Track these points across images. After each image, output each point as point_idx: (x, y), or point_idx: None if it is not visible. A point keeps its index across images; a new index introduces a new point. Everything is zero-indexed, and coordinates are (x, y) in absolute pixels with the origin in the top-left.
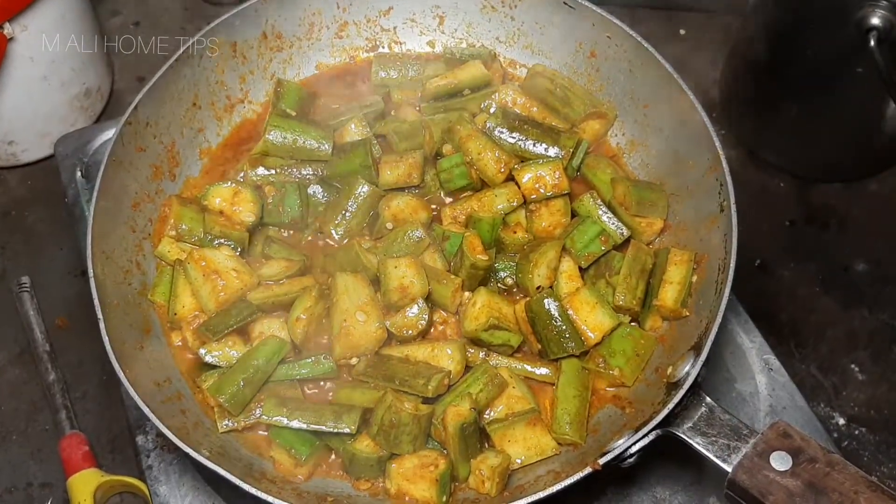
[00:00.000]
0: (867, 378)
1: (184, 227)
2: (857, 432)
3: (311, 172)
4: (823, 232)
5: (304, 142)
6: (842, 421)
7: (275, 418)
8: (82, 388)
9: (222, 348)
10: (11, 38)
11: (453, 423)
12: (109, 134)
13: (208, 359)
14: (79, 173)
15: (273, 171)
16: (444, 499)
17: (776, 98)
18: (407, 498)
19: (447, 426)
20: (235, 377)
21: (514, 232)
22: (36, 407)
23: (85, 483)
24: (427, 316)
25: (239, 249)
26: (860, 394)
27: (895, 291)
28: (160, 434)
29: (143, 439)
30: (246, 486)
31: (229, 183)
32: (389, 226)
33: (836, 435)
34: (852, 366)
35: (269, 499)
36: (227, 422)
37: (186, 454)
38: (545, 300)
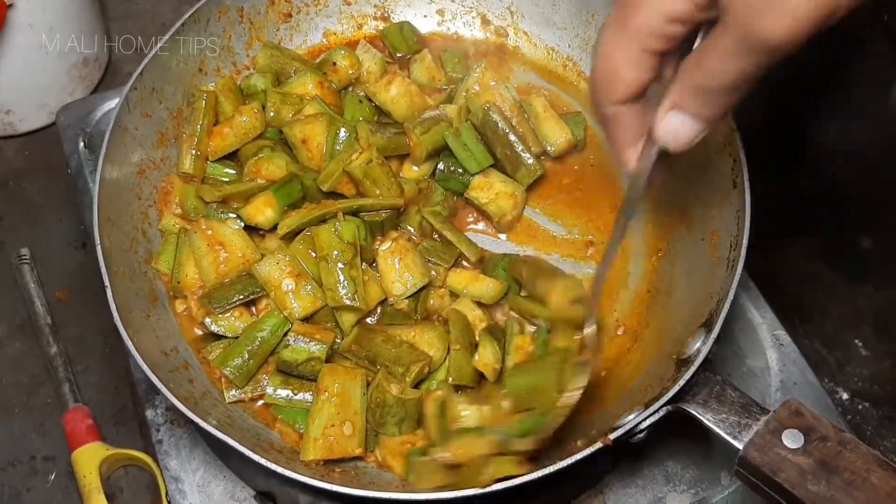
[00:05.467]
0: (871, 353)
1: (189, 204)
2: (860, 407)
3: None
4: (829, 207)
5: None
6: (845, 396)
7: (278, 395)
8: (84, 362)
9: (228, 318)
10: (11, 5)
11: (434, 404)
12: (112, 104)
13: (214, 328)
14: (81, 144)
15: None
16: (413, 477)
17: (783, 74)
18: (387, 470)
19: (427, 408)
20: (240, 349)
21: None
22: (37, 380)
23: (90, 457)
24: None
25: (242, 223)
26: (864, 369)
27: None
28: (170, 408)
29: (152, 413)
30: (255, 457)
31: None
32: None
33: (839, 409)
34: (856, 341)
35: (279, 470)
36: (234, 392)
37: (196, 427)
38: None
